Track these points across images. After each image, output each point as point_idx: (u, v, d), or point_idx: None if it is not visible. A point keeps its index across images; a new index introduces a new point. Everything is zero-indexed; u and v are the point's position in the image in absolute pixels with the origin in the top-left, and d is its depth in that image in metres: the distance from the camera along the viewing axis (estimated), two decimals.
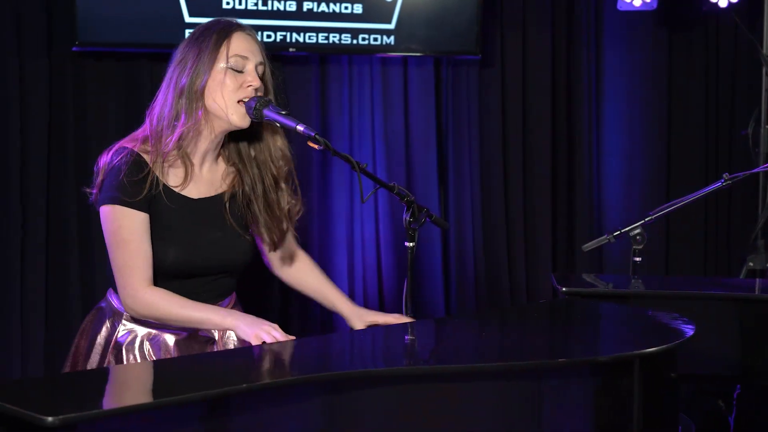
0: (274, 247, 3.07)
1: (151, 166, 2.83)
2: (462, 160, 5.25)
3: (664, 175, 5.66)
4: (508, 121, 5.36)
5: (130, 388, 2.39)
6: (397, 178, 5.00)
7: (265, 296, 4.77)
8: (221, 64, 2.86)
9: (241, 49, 2.89)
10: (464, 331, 2.97)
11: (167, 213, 2.87)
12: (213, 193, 2.97)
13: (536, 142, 5.41)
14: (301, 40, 4.75)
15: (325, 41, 4.79)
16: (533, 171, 5.42)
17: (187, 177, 2.90)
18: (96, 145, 4.47)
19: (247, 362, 2.55)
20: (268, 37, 4.71)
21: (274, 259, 3.19)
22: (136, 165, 2.82)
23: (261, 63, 2.94)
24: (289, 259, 3.20)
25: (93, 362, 2.95)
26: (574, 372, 2.63)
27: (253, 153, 3.00)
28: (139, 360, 2.92)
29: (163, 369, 2.53)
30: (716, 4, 5.29)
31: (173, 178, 2.88)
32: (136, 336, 2.95)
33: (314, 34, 4.76)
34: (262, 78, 2.92)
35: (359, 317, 3.11)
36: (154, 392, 2.35)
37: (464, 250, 5.25)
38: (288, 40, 4.73)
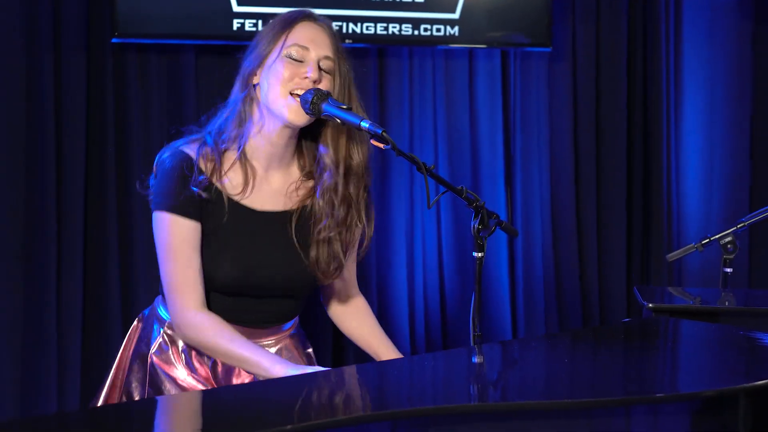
0: (325, 277, 2.82)
1: (206, 171, 2.65)
2: (530, 162, 5.04)
3: (747, 176, 5.38)
4: (580, 120, 5.14)
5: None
6: (461, 181, 4.57)
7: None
8: (277, 52, 2.67)
9: (303, 38, 2.68)
10: (539, 358, 2.70)
11: (222, 223, 2.68)
12: (280, 207, 2.76)
13: (610, 141, 5.18)
14: (357, 30, 4.55)
15: (384, 32, 4.59)
16: (606, 173, 5.19)
17: (247, 183, 2.69)
18: (138, 145, 4.30)
19: (299, 395, 2.28)
20: None
21: (327, 295, 2.99)
22: (190, 169, 2.64)
23: (328, 57, 2.70)
24: (344, 300, 3.00)
25: (137, 376, 2.80)
26: (669, 408, 2.33)
27: (328, 161, 2.75)
28: (178, 375, 2.74)
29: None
30: None
31: (232, 185, 2.68)
32: (175, 343, 2.77)
33: (372, 24, 4.56)
34: (327, 73, 2.68)
35: None
36: None
37: (532, 259, 5.03)
38: (344, 30, 4.53)
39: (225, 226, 2.69)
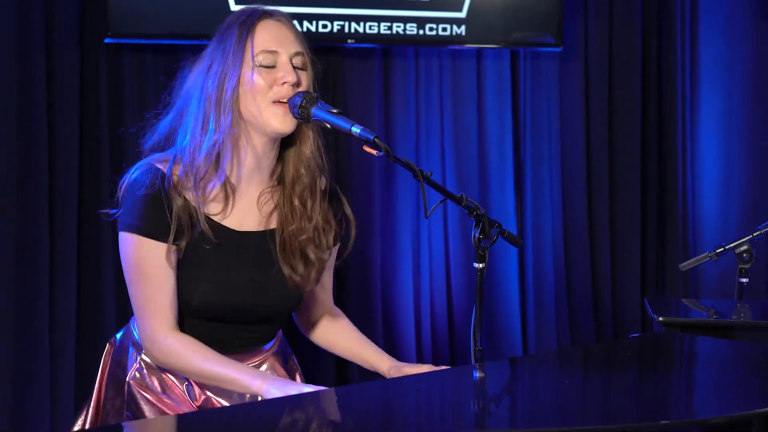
0: (306, 284, 2.66)
1: (181, 189, 2.50)
2: (541, 165, 4.96)
3: (767, 181, 5.27)
4: (593, 121, 5.05)
5: None
6: (469, 186, 4.75)
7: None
8: (248, 63, 2.51)
9: (268, 42, 2.53)
10: (543, 378, 2.54)
11: (200, 245, 2.53)
12: (263, 227, 2.61)
13: (623, 144, 5.10)
14: (361, 30, 4.46)
15: (388, 32, 4.50)
16: (620, 177, 5.11)
17: (228, 203, 2.55)
18: (134, 149, 4.15)
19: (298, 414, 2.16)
20: (324, 27, 4.42)
21: (303, 313, 2.85)
22: (164, 189, 2.49)
23: (298, 53, 2.57)
24: (321, 315, 2.85)
25: (113, 402, 2.67)
26: None
27: (290, 166, 2.63)
28: (157, 400, 2.62)
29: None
30: None
31: (212, 205, 2.54)
32: (151, 368, 2.64)
33: (376, 24, 4.47)
34: (301, 69, 2.56)
35: (400, 371, 2.71)
36: None
37: (543, 267, 4.95)
38: (346, 30, 4.44)
39: (202, 249, 2.55)
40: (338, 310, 2.88)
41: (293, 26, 2.59)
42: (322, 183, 2.65)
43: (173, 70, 4.19)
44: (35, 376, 4.14)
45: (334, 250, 2.72)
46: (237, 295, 2.57)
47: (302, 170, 2.61)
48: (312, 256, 2.63)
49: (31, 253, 4.13)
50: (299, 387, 2.40)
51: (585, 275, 5.03)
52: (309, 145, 2.61)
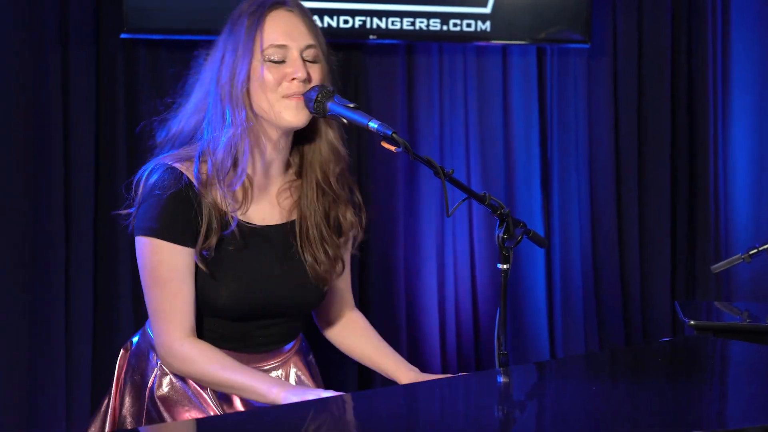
0: (328, 279, 2.63)
1: (200, 189, 2.44)
2: (568, 165, 4.91)
3: None
4: (621, 120, 5.00)
5: None
6: (495, 185, 4.71)
7: None
8: (257, 58, 2.45)
9: (277, 36, 2.46)
10: (570, 383, 2.44)
11: (222, 243, 2.47)
12: (281, 219, 2.56)
13: (653, 143, 5.05)
14: (383, 26, 4.40)
15: (411, 27, 4.44)
16: (649, 176, 5.06)
17: (246, 198, 2.50)
18: (152, 147, 4.13)
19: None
20: (346, 22, 4.37)
21: (321, 313, 2.80)
22: (182, 189, 2.43)
23: (310, 46, 2.49)
24: (340, 315, 2.80)
25: (131, 410, 2.62)
26: None
27: (309, 156, 2.58)
28: (181, 403, 2.55)
29: None
30: None
31: (230, 200, 2.48)
32: (171, 374, 2.57)
33: (399, 19, 4.42)
34: (313, 63, 2.48)
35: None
36: None
37: (570, 268, 4.90)
38: (368, 26, 4.38)
39: (228, 247, 2.49)
40: (359, 313, 2.82)
41: (306, 15, 2.51)
42: (340, 171, 2.59)
43: (189, 66, 4.23)
44: (50, 379, 4.10)
45: (351, 239, 2.67)
46: (263, 292, 2.52)
47: (323, 161, 2.56)
48: (332, 246, 2.58)
49: (46, 254, 4.10)
50: (317, 393, 2.33)
51: (613, 276, 4.98)
52: (330, 136, 2.56)
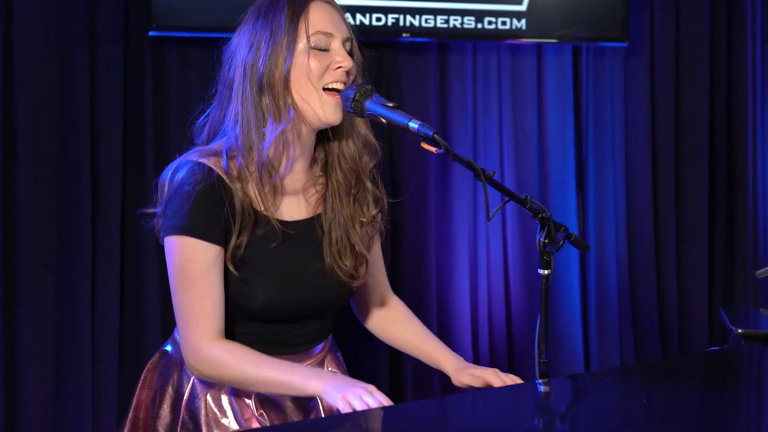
0: (355, 279, 2.56)
1: (231, 185, 2.37)
2: (604, 166, 4.87)
3: None
4: (658, 120, 4.96)
5: None
6: (529, 187, 4.65)
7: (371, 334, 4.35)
8: (301, 45, 2.36)
9: (324, 24, 2.39)
10: (613, 403, 2.34)
11: (253, 244, 2.40)
12: (308, 213, 2.50)
13: (691, 144, 5.01)
14: (416, 24, 4.35)
15: (445, 25, 4.39)
16: (687, 178, 5.02)
17: (276, 194, 2.43)
18: (178, 145, 4.07)
19: None
20: (378, 20, 4.32)
21: (360, 304, 2.74)
22: (212, 186, 2.35)
23: (348, 38, 2.43)
24: (379, 305, 2.74)
25: (163, 421, 2.52)
26: None
27: (337, 150, 2.51)
28: (218, 415, 2.48)
29: None
30: None
31: (259, 197, 2.41)
32: (211, 385, 2.49)
33: (432, 17, 4.37)
34: (352, 56, 2.43)
35: (468, 372, 2.57)
36: None
37: (606, 273, 4.86)
38: (401, 24, 4.33)
39: (256, 247, 2.42)
40: (398, 300, 2.76)
41: (341, 10, 2.46)
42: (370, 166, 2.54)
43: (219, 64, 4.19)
44: (77, 384, 4.07)
45: (377, 236, 2.61)
46: (300, 291, 2.45)
47: (353, 155, 2.50)
48: (359, 241, 2.52)
49: (73, 256, 4.06)
50: (355, 383, 2.26)
51: (650, 280, 4.93)
52: (362, 129, 2.50)
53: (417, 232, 4.51)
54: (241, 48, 2.42)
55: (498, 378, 2.50)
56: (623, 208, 4.88)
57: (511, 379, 2.50)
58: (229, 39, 2.52)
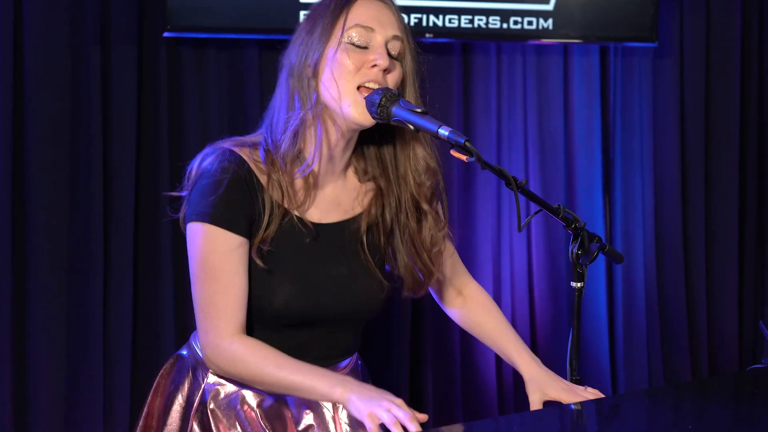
0: (414, 292, 2.54)
1: (261, 177, 2.34)
2: (632, 170, 4.82)
3: None
4: (688, 123, 4.91)
5: None
6: (554, 192, 4.61)
7: (391, 348, 4.34)
8: (335, 38, 2.31)
9: (365, 18, 2.31)
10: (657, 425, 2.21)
11: (279, 241, 2.35)
12: (341, 217, 2.44)
13: (721, 147, 4.97)
14: (439, 23, 4.28)
15: (469, 25, 4.32)
16: (717, 183, 4.98)
17: (308, 193, 2.37)
18: (194, 149, 4.03)
19: None
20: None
21: (439, 291, 2.70)
22: (242, 176, 2.31)
23: (396, 37, 2.35)
24: (457, 293, 2.70)
25: (172, 428, 2.47)
26: None
27: (396, 163, 2.46)
28: (227, 425, 2.42)
29: None
30: None
31: (289, 196, 2.36)
32: (219, 394, 2.44)
33: (455, 17, 4.29)
34: (396, 60, 2.34)
35: (540, 388, 2.50)
36: None
37: (633, 281, 4.81)
38: (423, 24, 4.26)
39: (282, 245, 2.36)
40: (479, 287, 2.72)
41: (396, 10, 2.38)
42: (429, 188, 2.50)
43: (237, 67, 4.13)
44: (89, 389, 4.03)
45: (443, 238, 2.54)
46: (321, 295, 2.39)
47: (421, 174, 2.45)
48: (418, 257, 2.49)
49: (85, 258, 4.01)
50: (382, 395, 2.18)
51: (678, 289, 4.90)
52: (421, 147, 2.44)
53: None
54: (290, 47, 2.39)
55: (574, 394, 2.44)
56: (651, 215, 4.84)
57: (592, 393, 2.44)
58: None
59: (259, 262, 2.31)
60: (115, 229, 4.06)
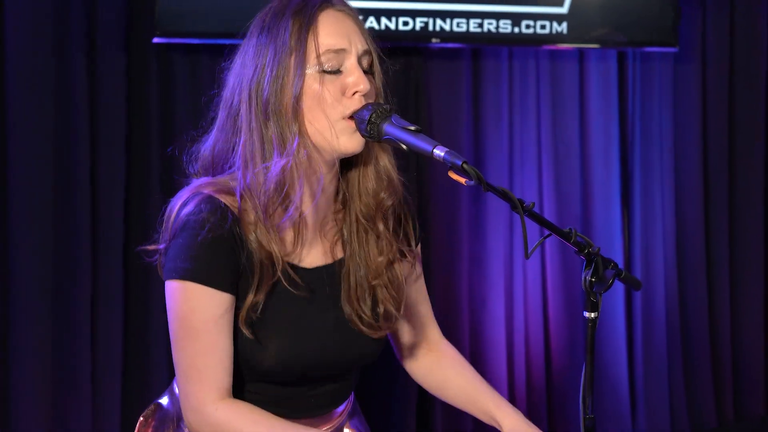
0: (381, 329, 2.29)
1: (246, 229, 2.13)
2: (652, 181, 4.78)
3: None
4: (710, 131, 4.89)
5: None
6: (570, 205, 4.55)
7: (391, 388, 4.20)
8: (311, 68, 2.08)
9: (334, 40, 2.09)
10: None
11: (272, 299, 2.16)
12: (330, 260, 2.24)
13: (746, 156, 4.95)
14: (447, 28, 4.23)
15: (479, 29, 4.27)
16: (741, 194, 4.95)
17: (298, 239, 2.17)
18: (188, 165, 3.93)
19: None
20: (405, 24, 4.21)
21: (401, 347, 2.48)
22: (226, 227, 2.09)
23: (366, 51, 2.14)
24: (428, 350, 2.48)
25: None
26: None
27: (355, 183, 2.24)
28: None
29: None
30: None
31: (278, 245, 2.15)
32: None
33: (464, 21, 4.25)
34: (368, 73, 2.14)
35: None
36: None
37: (653, 300, 4.75)
38: (431, 28, 4.21)
39: (272, 302, 2.18)
40: (448, 344, 2.49)
41: (358, 18, 2.17)
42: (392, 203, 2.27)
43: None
44: (75, 424, 3.95)
45: (415, 263, 2.35)
46: (316, 350, 2.21)
47: (372, 191, 2.22)
48: (381, 288, 2.26)
49: (71, 283, 3.95)
50: None
51: (701, 307, 4.85)
52: (383, 161, 2.22)
53: (447, 253, 4.38)
54: (246, 68, 2.13)
55: None
56: (672, 226, 4.81)
57: None
58: (240, 45, 2.23)
59: (245, 330, 2.13)
60: (103, 250, 4.00)
